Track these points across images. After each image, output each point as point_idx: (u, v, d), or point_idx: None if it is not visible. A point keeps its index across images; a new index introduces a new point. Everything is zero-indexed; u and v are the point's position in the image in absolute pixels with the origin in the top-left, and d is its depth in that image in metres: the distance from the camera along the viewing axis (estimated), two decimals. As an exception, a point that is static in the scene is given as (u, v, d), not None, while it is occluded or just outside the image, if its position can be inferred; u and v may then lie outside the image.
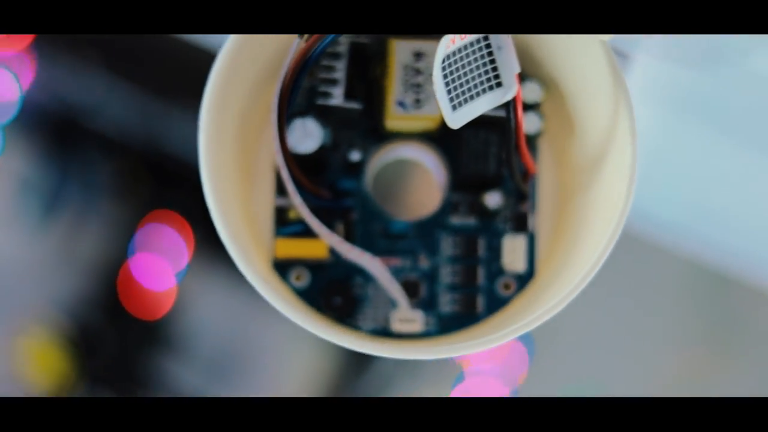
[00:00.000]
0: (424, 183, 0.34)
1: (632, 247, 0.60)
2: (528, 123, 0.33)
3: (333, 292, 0.32)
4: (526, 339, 0.68)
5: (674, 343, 0.72)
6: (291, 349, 0.76)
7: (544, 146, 0.34)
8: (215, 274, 0.75)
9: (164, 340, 0.77)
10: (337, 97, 0.32)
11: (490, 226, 0.33)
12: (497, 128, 0.33)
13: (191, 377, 0.77)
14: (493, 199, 0.33)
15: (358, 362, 0.75)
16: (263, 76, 0.32)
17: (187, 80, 0.72)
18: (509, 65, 0.28)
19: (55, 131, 0.78)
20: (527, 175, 0.32)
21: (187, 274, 0.75)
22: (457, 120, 0.28)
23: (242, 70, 0.31)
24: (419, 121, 0.32)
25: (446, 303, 0.33)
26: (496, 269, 0.33)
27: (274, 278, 0.33)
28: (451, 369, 0.70)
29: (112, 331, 0.78)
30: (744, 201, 0.45)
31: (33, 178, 0.78)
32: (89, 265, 0.77)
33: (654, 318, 0.71)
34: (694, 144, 0.41)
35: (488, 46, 0.28)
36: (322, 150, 0.32)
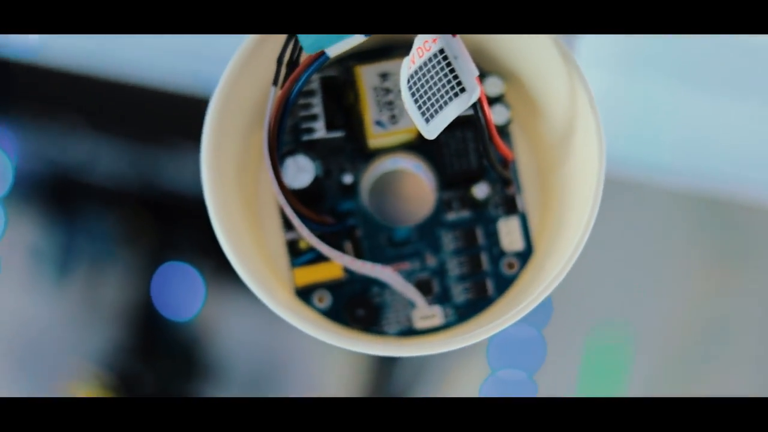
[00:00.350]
0: (415, 188, 0.37)
1: (628, 192, 0.63)
2: (496, 115, 0.35)
3: (355, 305, 0.35)
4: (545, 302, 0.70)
5: (686, 269, 0.74)
6: (322, 360, 0.79)
7: (516, 132, 0.36)
8: (237, 299, 0.77)
9: (200, 370, 0.80)
10: (319, 130, 0.35)
11: (484, 215, 0.36)
12: (471, 125, 0.35)
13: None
14: (481, 191, 0.35)
15: (390, 364, 0.78)
16: (250, 122, 0.35)
17: (169, 124, 0.74)
18: (468, 70, 0.31)
19: (53, 194, 0.80)
20: (507, 162, 0.35)
21: (209, 303, 0.77)
22: (431, 131, 0.30)
23: (231, 118, 0.33)
24: (398, 135, 0.35)
25: (459, 293, 0.35)
26: (497, 252, 0.36)
27: (298, 305, 0.35)
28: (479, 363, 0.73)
29: (148, 371, 0.81)
30: (707, 129, 0.48)
31: (41, 243, 0.81)
32: (113, 312, 0.80)
33: (661, 251, 0.74)
34: (653, 89, 0.44)
35: (445, 57, 0.31)
36: (316, 181, 0.35)
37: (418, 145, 0.36)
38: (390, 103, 0.35)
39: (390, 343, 0.34)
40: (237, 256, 0.32)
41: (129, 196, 0.79)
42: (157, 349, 0.80)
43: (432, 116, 0.30)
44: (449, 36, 0.31)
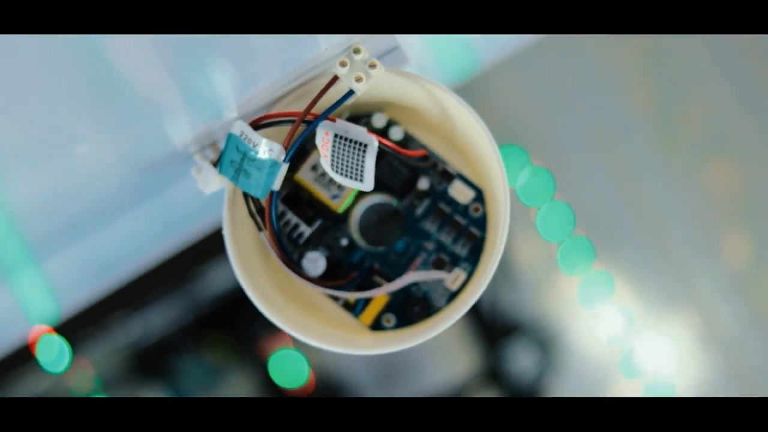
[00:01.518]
0: (384, 211, 0.49)
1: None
2: (394, 134, 0.48)
3: (410, 308, 0.48)
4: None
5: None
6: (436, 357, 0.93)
7: (417, 130, 0.49)
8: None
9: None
10: (305, 230, 0.47)
11: (437, 194, 0.48)
12: (386, 154, 0.48)
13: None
14: (422, 183, 0.48)
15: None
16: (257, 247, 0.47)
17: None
18: (358, 133, 0.43)
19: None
20: (424, 158, 0.48)
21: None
22: (368, 184, 0.43)
23: (245, 246, 0.46)
24: (351, 193, 0.47)
25: (461, 249, 0.48)
26: (462, 209, 0.48)
27: (379, 335, 0.48)
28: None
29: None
30: None
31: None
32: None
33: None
34: None
35: (340, 138, 0.43)
36: (329, 259, 0.47)
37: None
38: (331, 180, 0.47)
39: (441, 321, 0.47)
40: (330, 344, 0.44)
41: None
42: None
43: (361, 176, 0.43)
44: (331, 124, 0.43)
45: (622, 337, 1.53)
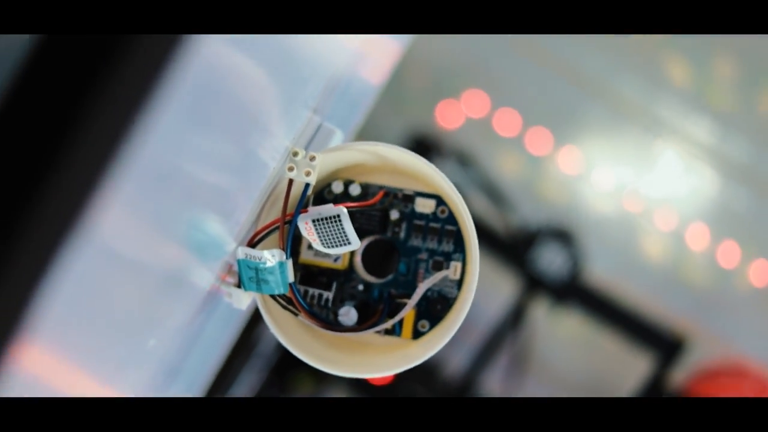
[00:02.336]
0: (382, 245, 0.60)
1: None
2: (355, 192, 0.58)
3: (434, 307, 0.58)
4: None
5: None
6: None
7: (370, 178, 0.59)
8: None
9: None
10: (327, 294, 0.58)
11: (410, 217, 0.59)
12: (356, 211, 0.58)
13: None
14: (393, 214, 0.59)
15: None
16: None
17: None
18: (327, 209, 0.54)
19: None
20: (386, 195, 0.58)
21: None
22: (354, 243, 0.54)
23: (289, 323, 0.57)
24: (347, 253, 0.58)
25: (447, 246, 0.58)
26: (432, 217, 0.59)
27: (420, 341, 0.58)
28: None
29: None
30: None
31: None
32: None
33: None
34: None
35: (316, 221, 0.54)
36: (356, 307, 0.58)
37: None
38: (317, 253, 0.58)
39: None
40: (393, 369, 0.55)
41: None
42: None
43: (347, 239, 0.54)
44: (305, 215, 0.54)
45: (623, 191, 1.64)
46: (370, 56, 0.77)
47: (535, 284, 1.55)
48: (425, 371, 1.49)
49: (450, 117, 1.71)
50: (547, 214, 1.68)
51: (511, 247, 1.55)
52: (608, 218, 1.71)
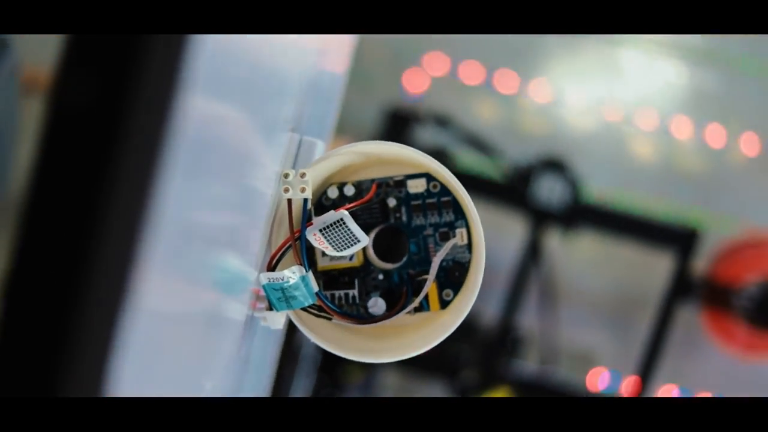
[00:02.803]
0: (388, 237, 0.63)
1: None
2: (350, 192, 0.62)
3: (452, 275, 0.62)
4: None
5: None
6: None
7: (361, 175, 0.63)
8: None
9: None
10: (352, 292, 0.62)
11: (406, 199, 0.62)
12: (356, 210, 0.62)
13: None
14: (391, 202, 0.62)
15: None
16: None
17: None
18: (332, 216, 0.58)
19: None
20: (378, 187, 0.62)
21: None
22: (363, 240, 0.57)
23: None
24: (359, 252, 0.62)
25: (448, 216, 0.62)
26: (426, 194, 0.62)
27: (449, 309, 0.62)
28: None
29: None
30: None
31: None
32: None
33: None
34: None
35: (322, 229, 0.58)
36: (383, 296, 0.62)
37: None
38: (333, 258, 0.62)
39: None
40: (432, 343, 0.59)
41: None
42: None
43: (356, 239, 0.58)
44: (311, 227, 0.58)
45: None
46: (330, 50, 0.80)
47: (541, 217, 1.59)
48: (464, 330, 1.53)
49: (417, 83, 1.75)
50: (535, 148, 1.71)
51: (510, 188, 1.59)
52: (593, 134, 1.75)
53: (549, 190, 1.59)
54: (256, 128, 0.53)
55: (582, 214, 1.58)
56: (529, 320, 1.62)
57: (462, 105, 1.71)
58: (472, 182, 1.60)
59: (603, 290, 1.72)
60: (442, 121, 1.63)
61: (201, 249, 0.48)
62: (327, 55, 0.79)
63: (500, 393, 1.53)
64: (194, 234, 0.45)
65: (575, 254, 1.70)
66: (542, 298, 1.62)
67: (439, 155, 1.63)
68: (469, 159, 1.63)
